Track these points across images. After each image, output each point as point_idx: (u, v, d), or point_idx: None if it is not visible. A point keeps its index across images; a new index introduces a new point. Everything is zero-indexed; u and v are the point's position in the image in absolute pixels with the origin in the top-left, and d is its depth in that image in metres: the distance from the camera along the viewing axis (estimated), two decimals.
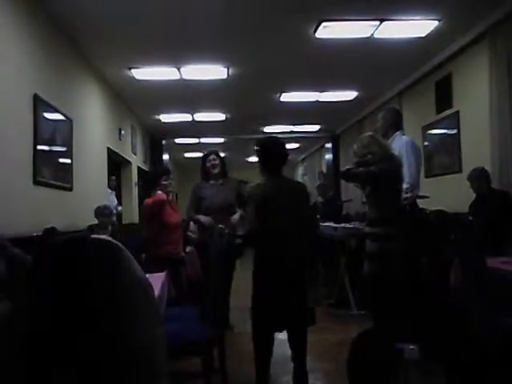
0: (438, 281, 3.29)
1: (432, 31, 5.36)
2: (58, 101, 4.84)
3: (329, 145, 12.35)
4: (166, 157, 12.26)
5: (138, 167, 9.54)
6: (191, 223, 4.85)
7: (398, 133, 4.14)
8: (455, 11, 4.95)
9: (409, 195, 3.78)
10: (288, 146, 3.54)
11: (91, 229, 4.79)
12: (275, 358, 3.16)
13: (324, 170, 12.58)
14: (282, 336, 3.13)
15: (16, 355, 1.08)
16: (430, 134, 6.80)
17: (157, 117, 9.51)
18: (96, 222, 4.88)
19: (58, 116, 4.86)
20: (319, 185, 8.73)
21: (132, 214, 8.76)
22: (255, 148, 3.25)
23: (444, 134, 6.47)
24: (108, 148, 7.06)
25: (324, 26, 5.15)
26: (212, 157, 4.78)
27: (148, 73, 6.59)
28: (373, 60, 6.30)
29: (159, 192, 4.42)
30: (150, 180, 4.84)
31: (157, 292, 2.56)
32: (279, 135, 4.36)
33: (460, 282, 2.91)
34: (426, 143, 6.85)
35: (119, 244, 1.15)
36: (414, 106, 7.37)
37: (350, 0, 4.64)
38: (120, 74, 6.68)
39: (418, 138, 6.72)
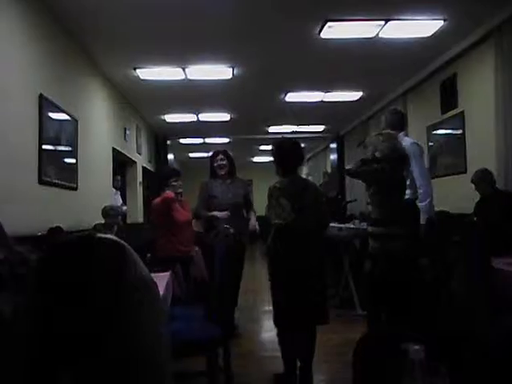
0: (441, 281, 3.28)
1: (437, 31, 5.35)
2: (64, 101, 4.86)
3: (333, 145, 12.34)
4: (170, 156, 12.27)
5: (143, 167, 9.55)
6: (193, 221, 4.78)
7: (400, 134, 4.13)
8: (460, 11, 4.94)
9: (424, 204, 3.74)
10: None
11: (96, 228, 4.81)
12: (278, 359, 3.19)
13: (329, 170, 12.57)
14: None
15: (20, 355, 1.08)
16: (435, 134, 6.77)
17: (162, 117, 9.53)
18: (101, 221, 4.90)
19: (63, 116, 4.89)
20: (322, 183, 8.75)
21: (137, 213, 8.77)
22: (272, 148, 3.31)
23: (449, 134, 6.45)
24: (113, 148, 7.08)
25: (329, 26, 5.14)
26: (220, 157, 4.72)
27: (153, 73, 6.60)
28: (378, 60, 6.29)
29: (168, 191, 4.42)
30: (159, 180, 4.82)
31: (162, 291, 2.56)
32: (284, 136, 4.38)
33: (464, 283, 2.91)
34: (430, 143, 6.83)
35: (125, 243, 1.16)
36: (419, 106, 7.35)
37: (355, 0, 4.64)
38: (125, 74, 6.70)
39: (423, 138, 6.71)
